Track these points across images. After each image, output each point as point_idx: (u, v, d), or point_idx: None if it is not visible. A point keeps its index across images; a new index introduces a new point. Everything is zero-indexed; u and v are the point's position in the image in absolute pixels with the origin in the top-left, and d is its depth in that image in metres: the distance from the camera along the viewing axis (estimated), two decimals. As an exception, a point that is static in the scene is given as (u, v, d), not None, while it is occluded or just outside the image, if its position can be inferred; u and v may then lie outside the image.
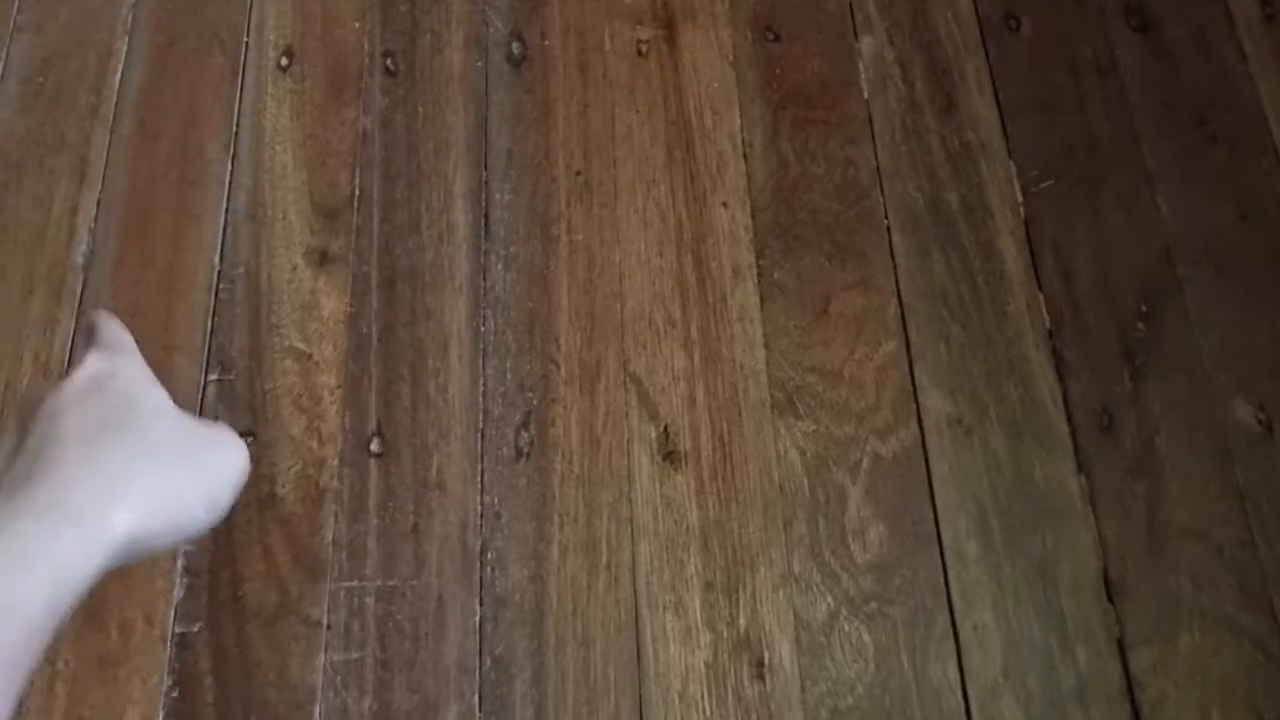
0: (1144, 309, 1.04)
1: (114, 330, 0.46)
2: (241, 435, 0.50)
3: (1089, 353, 1.03)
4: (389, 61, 1.17)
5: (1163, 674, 0.91)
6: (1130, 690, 0.91)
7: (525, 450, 1.00)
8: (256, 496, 0.96)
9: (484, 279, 1.07)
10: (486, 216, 1.10)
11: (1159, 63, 1.16)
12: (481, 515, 0.98)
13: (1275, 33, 1.17)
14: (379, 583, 0.94)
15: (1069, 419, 1.00)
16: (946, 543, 0.96)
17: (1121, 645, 0.92)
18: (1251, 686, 0.91)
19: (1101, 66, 1.16)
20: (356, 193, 1.11)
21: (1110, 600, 0.94)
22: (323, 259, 1.08)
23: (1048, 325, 1.04)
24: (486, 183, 1.11)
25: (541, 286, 1.06)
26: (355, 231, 1.09)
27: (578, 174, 1.11)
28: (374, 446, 1.00)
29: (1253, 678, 0.91)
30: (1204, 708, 0.90)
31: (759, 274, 1.07)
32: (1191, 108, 1.14)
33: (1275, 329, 1.03)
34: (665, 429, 1.00)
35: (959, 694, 0.91)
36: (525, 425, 1.01)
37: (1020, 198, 1.10)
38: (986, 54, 1.17)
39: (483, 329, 1.05)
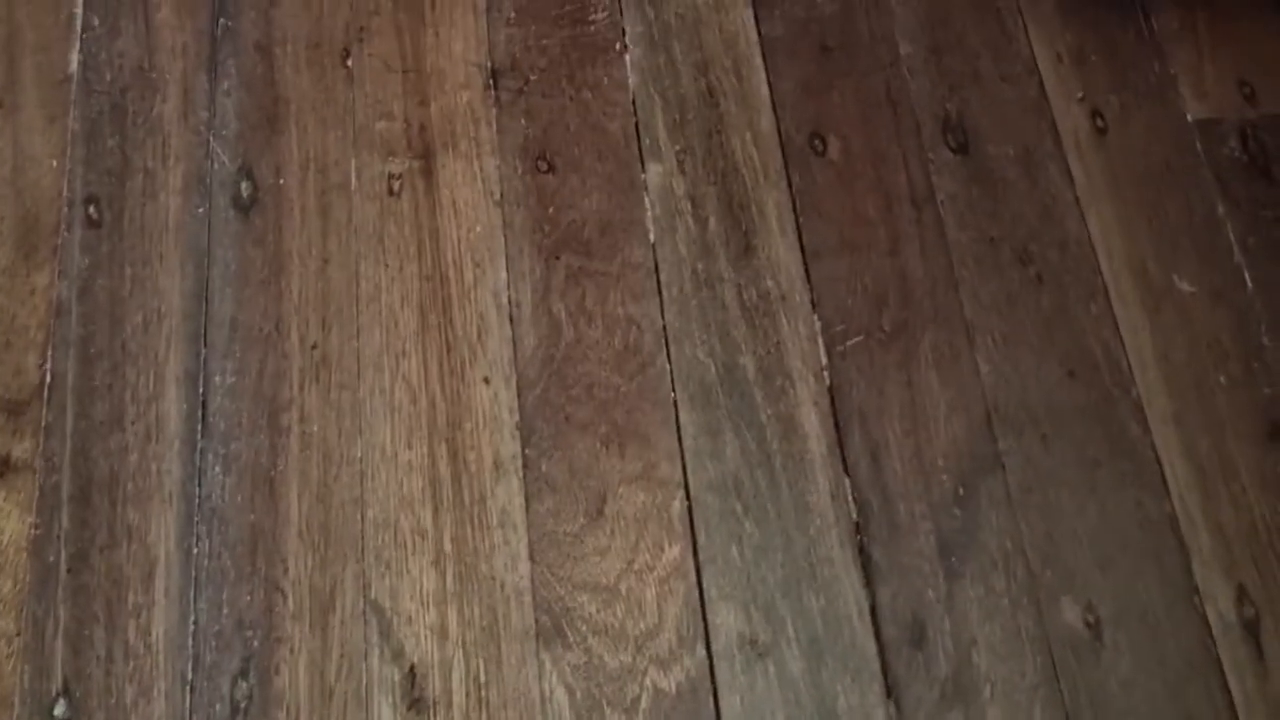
0: (960, 491, 0.92)
1: None
2: None
3: (899, 550, 0.90)
4: (91, 209, 0.99)
5: None
6: None
7: (243, 705, 0.84)
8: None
9: (199, 486, 0.90)
10: (204, 405, 0.93)
11: (980, 189, 1.03)
12: (188, 793, 0.82)
13: (1106, 150, 1.05)
14: None
15: (876, 633, 0.88)
16: (736, 796, 0.83)
17: None
18: None
19: (917, 196, 1.03)
20: (48, 380, 0.93)
21: None
22: (4, 468, 0.90)
23: (854, 518, 0.91)
24: (205, 362, 0.94)
25: (267, 494, 0.90)
26: (45, 431, 0.91)
27: (314, 347, 0.95)
28: (58, 711, 0.83)
29: None
30: None
31: (525, 466, 0.92)
32: (1015, 243, 1.01)
33: (1106, 510, 0.92)
34: (411, 670, 0.85)
35: None
36: (244, 673, 0.85)
37: (825, 359, 0.96)
38: (789, 183, 1.03)
39: (195, 550, 0.88)
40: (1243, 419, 0.96)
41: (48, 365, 0.94)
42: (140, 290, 0.96)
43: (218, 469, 0.91)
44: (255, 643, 0.86)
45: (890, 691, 0.86)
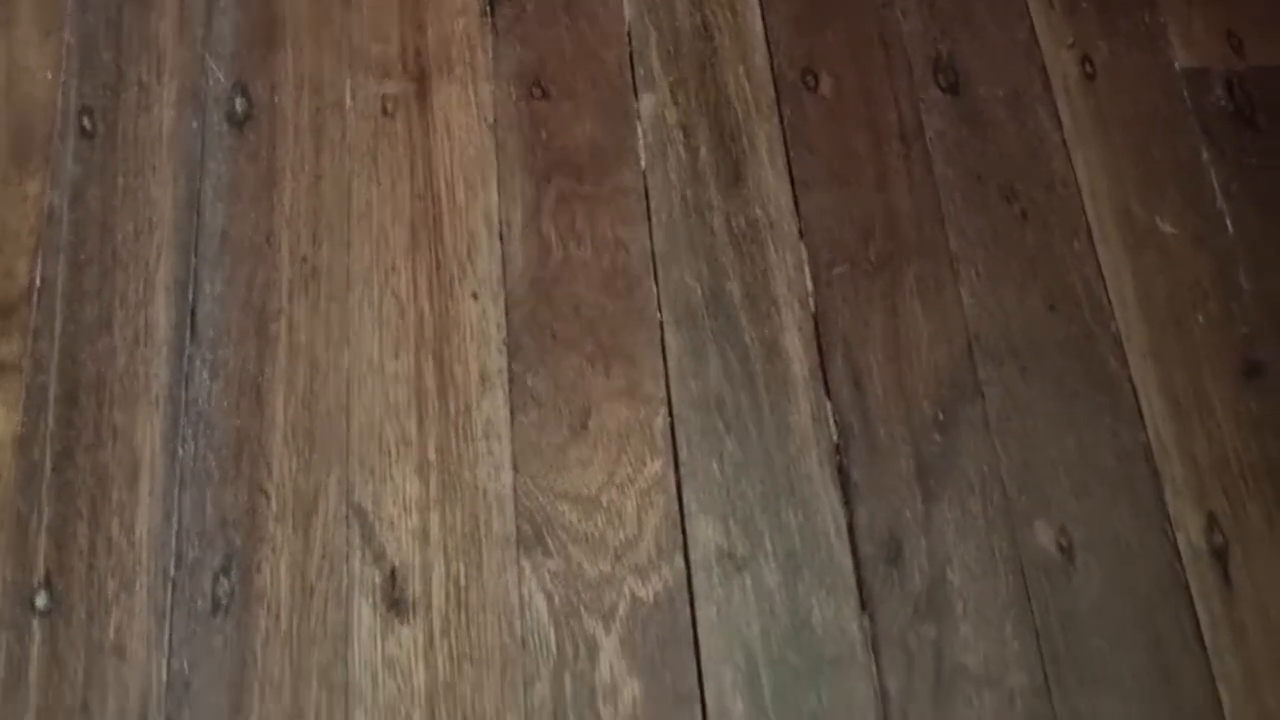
0: (941, 417, 0.93)
1: None
2: None
3: (878, 470, 0.91)
4: (85, 120, 1.00)
5: None
6: None
7: (224, 602, 0.85)
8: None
9: (186, 390, 0.91)
10: (193, 313, 0.93)
11: (968, 128, 1.05)
12: (167, 684, 0.82)
13: (1095, 95, 1.07)
14: (30, 780, 0.79)
15: (853, 550, 0.89)
16: (709, 701, 0.84)
17: (901, 820, 0.82)
18: None
19: (906, 132, 1.04)
20: (37, 284, 0.94)
21: (890, 766, 0.83)
22: (-9, 367, 0.90)
23: (834, 439, 0.92)
24: (195, 271, 0.95)
25: (254, 399, 0.91)
26: (33, 333, 0.92)
27: (304, 260, 0.96)
28: (39, 602, 0.84)
29: None
30: None
31: (510, 380, 0.92)
32: (1002, 180, 1.03)
33: (1082, 440, 0.93)
34: (392, 572, 0.86)
35: None
36: (225, 571, 0.86)
37: (810, 287, 0.97)
38: (780, 117, 1.04)
39: (181, 452, 0.89)
40: (1219, 356, 0.97)
41: (38, 270, 0.94)
42: (132, 200, 0.97)
43: (205, 374, 0.91)
44: (238, 541, 0.86)
45: (865, 605, 0.87)
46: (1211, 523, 0.91)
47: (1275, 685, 0.87)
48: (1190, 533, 0.91)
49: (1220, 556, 0.90)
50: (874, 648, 0.86)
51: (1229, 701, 0.86)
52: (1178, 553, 0.90)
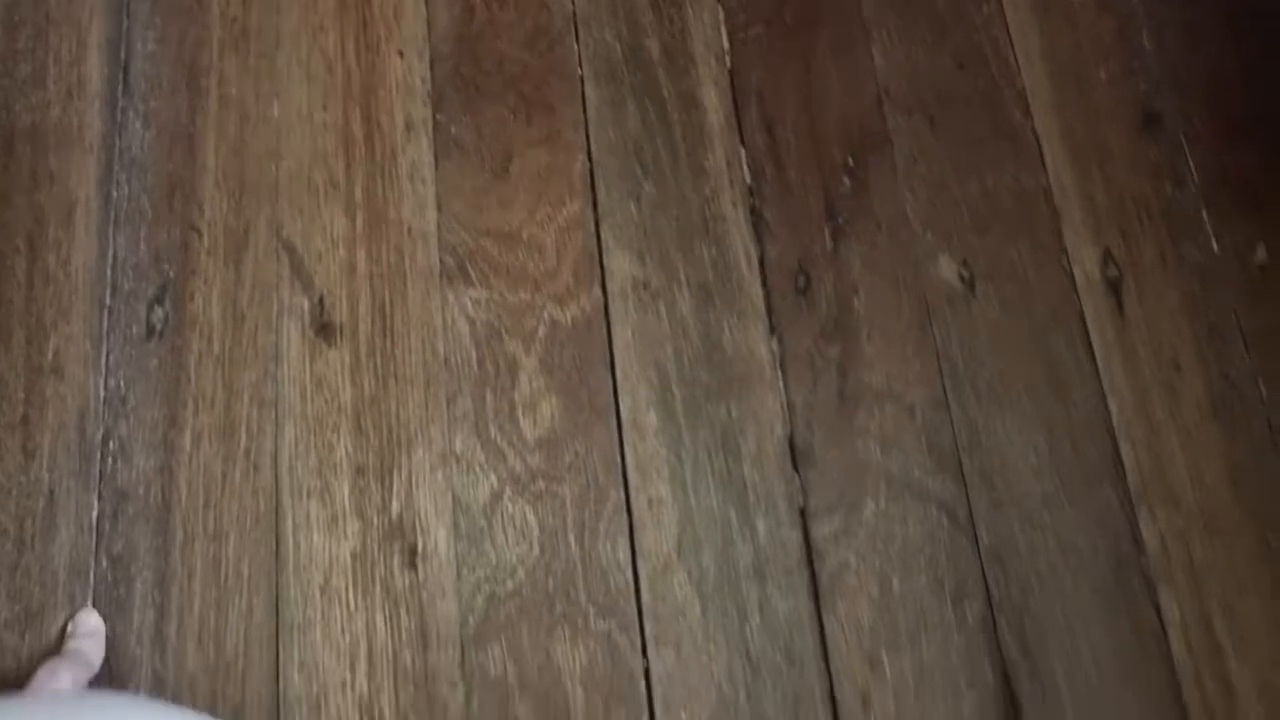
0: (850, 163, 0.97)
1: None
2: None
3: (789, 210, 0.95)
4: (18, -108, 1.01)
5: (844, 543, 0.86)
6: (810, 561, 0.85)
7: (158, 328, 0.88)
8: None
9: (119, 139, 0.94)
10: (125, 69, 0.96)
11: (883, -98, 1.08)
12: (105, 400, 0.86)
13: (1005, -128, 1.09)
14: (-27, 480, 0.82)
15: (763, 281, 0.93)
16: (624, 415, 0.88)
17: (804, 515, 0.87)
18: (934, 553, 0.86)
19: (822, -95, 1.07)
20: (-28, 42, 0.96)
21: (795, 469, 0.88)
22: (-72, 117, 0.93)
23: (748, 182, 0.96)
24: (127, 31, 0.97)
25: (185, 146, 0.94)
26: (-31, 86, 0.94)
27: (234, 20, 0.98)
28: (-20, 328, 0.87)
29: (935, 544, 0.86)
30: (884, 576, 0.85)
31: (434, 129, 0.96)
32: (914, -50, 1.06)
33: (985, 183, 0.97)
34: (320, 300, 0.90)
35: (629, 573, 0.84)
36: (159, 300, 0.89)
37: (727, 45, 1.01)
38: (700, -109, 1.06)
39: (115, 194, 0.92)
40: (1118, 109, 1.01)
41: (-27, 29, 0.97)
42: (65, -35, 0.99)
43: (137, 124, 0.94)
44: (171, 274, 0.90)
45: (774, 330, 0.92)
46: (1107, 257, 0.96)
47: (1162, 400, 0.91)
48: (1086, 266, 0.95)
49: (1114, 287, 0.95)
50: (781, 366, 0.90)
51: (1118, 414, 0.91)
52: (1074, 284, 0.95)
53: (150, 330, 0.88)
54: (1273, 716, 0.84)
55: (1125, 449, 0.90)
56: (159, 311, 0.89)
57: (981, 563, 0.86)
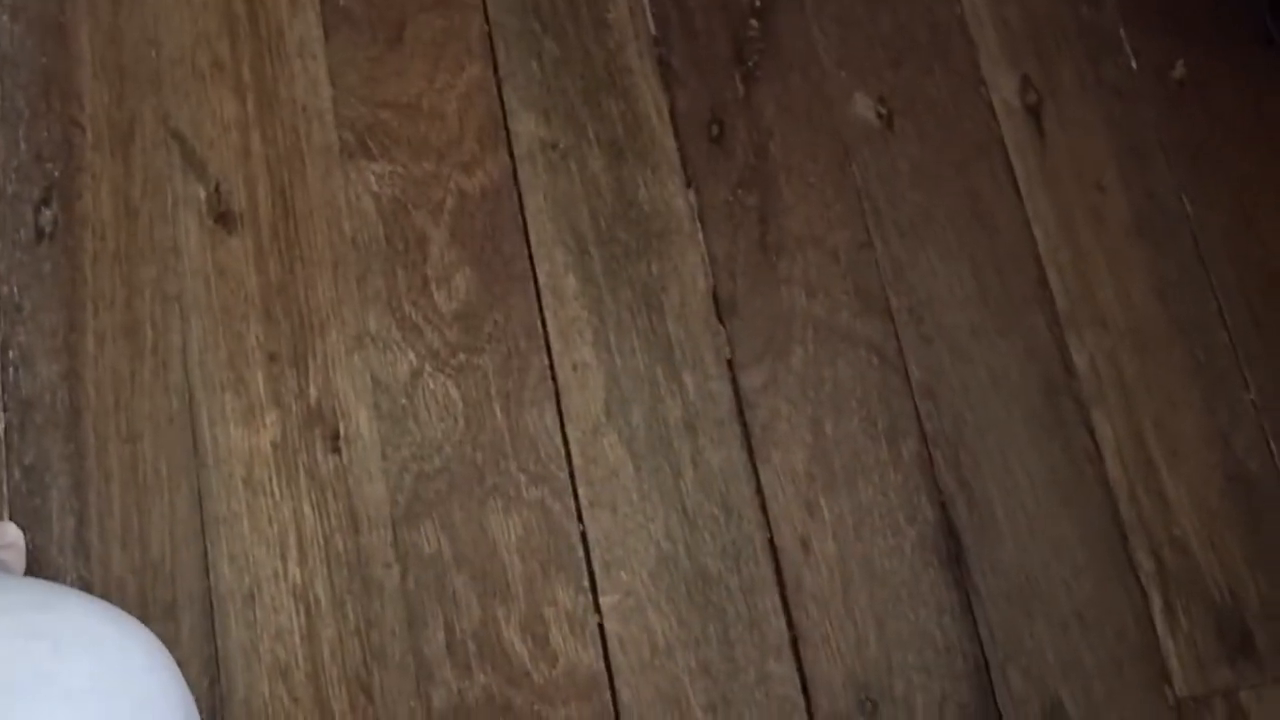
0: (757, 5, 0.94)
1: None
2: None
3: (697, 58, 0.92)
4: None
5: (774, 391, 0.85)
6: (741, 412, 0.84)
7: (48, 230, 0.84)
8: None
9: (-15, 34, 0.89)
10: (-16, -41, 0.90)
11: None
12: (-1, 310, 0.83)
13: None
14: None
15: (676, 132, 0.90)
16: (542, 280, 0.86)
17: (732, 366, 0.85)
18: (866, 394, 0.85)
19: None
20: None
21: (720, 321, 0.86)
22: None
23: (652, 31, 0.92)
24: (-19, -81, 0.91)
25: (58, 38, 0.89)
26: None
27: (95, -100, 0.92)
28: None
29: (867, 384, 0.85)
30: (817, 421, 0.84)
31: (321, 2, 0.91)
32: None
33: (897, 17, 0.94)
34: (216, 187, 0.86)
35: (558, 439, 0.83)
36: (46, 201, 0.85)
37: (621, -109, 0.96)
38: None
39: (-13, 94, 0.87)
40: (1032, -71, 0.98)
41: None
42: None
43: (4, 17, 0.89)
44: (56, 173, 0.86)
45: (690, 182, 0.89)
46: (1025, 83, 0.93)
47: (1086, 222, 0.90)
48: (1005, 93, 0.93)
49: (1034, 113, 0.93)
50: (700, 219, 0.88)
51: (1043, 240, 0.90)
52: (993, 112, 0.93)
53: (40, 233, 0.84)
54: (1206, 527, 0.85)
55: (1052, 274, 0.89)
56: (47, 213, 0.85)
57: (914, 399, 0.86)
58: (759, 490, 0.83)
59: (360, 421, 0.82)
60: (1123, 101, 0.93)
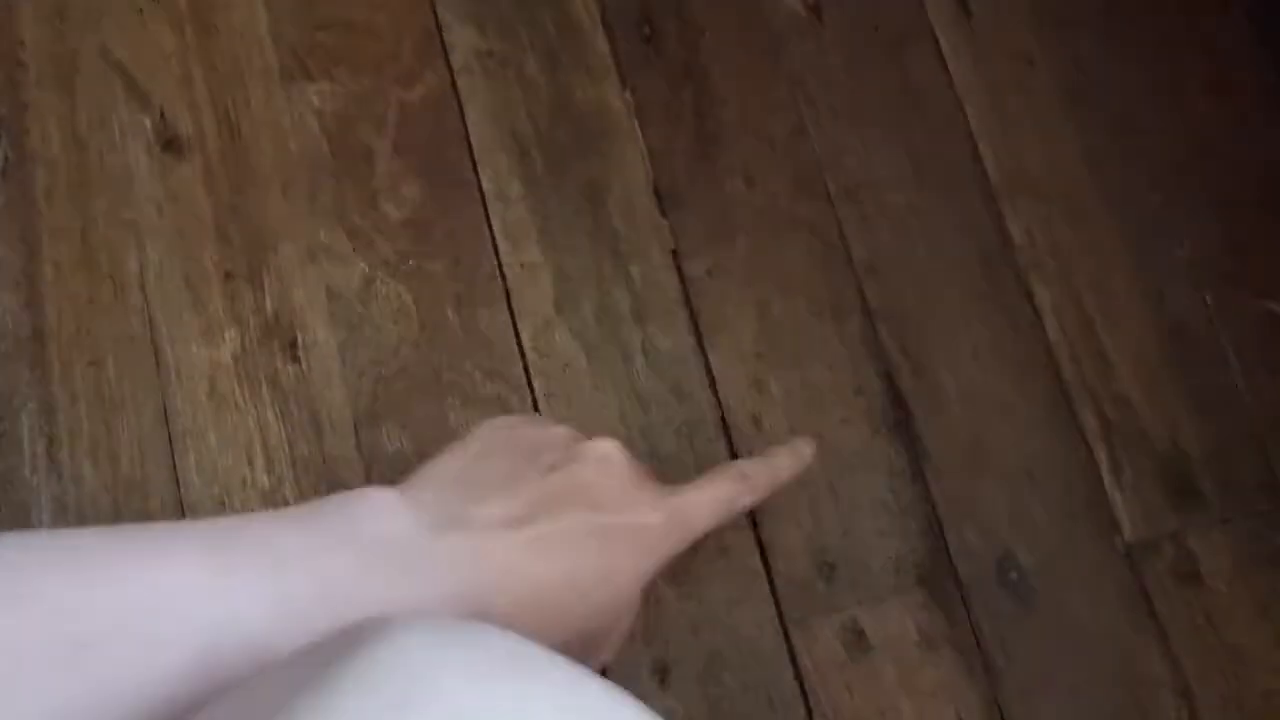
0: (683, -94, 0.95)
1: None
2: None
3: (626, -39, 0.94)
4: None
5: (720, 277, 0.87)
6: (688, 299, 0.86)
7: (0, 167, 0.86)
8: None
9: (-76, -18, 0.90)
10: (-83, -91, 0.91)
11: None
12: (-43, 247, 0.84)
13: None
14: None
15: (609, 36, 0.92)
16: (486, 186, 0.88)
17: (676, 256, 0.87)
18: (809, 274, 0.88)
19: None
20: None
21: (663, 214, 0.88)
22: None
23: (580, -61, 0.94)
24: None
25: (-5, -19, 0.90)
26: None
27: None
28: None
29: (810, 263, 0.88)
30: (763, 302, 0.87)
31: (252, -71, 0.93)
32: None
33: (821, -92, 0.96)
34: (161, 115, 0.88)
35: (510, 336, 0.85)
36: (-4, 140, 0.87)
37: None
38: None
39: (-70, 40, 0.89)
40: None
41: None
42: None
43: (-59, -35, 0.90)
44: (3, 111, 0.87)
45: (625, 81, 0.91)
46: (950, -34, 0.95)
47: (1015, 97, 0.92)
48: (930, -23, 0.95)
49: (960, -6, 0.95)
50: (638, 116, 0.90)
51: (974, 116, 0.92)
52: (919, -4, 0.95)
53: (-9, 171, 0.86)
54: (1144, 382, 0.87)
55: (984, 149, 0.91)
56: (-3, 151, 0.87)
57: (857, 277, 0.88)
58: (709, 371, 0.85)
59: (318, 330, 0.84)
60: (1046, -22, 0.95)
